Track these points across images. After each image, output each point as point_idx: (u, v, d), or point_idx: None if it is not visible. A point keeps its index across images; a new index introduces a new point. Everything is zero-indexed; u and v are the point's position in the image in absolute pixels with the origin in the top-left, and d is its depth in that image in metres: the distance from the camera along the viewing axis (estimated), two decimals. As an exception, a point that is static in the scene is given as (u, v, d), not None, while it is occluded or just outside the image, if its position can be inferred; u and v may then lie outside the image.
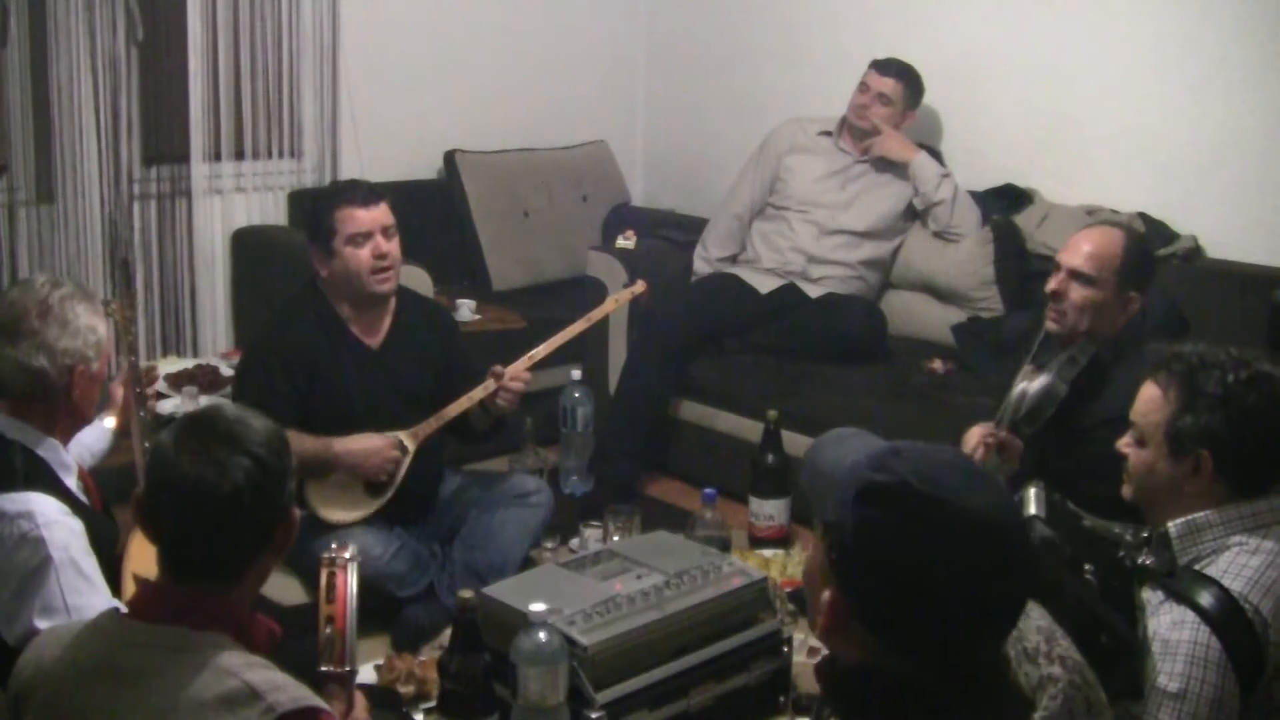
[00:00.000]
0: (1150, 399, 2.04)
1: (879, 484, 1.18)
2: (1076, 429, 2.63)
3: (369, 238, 2.89)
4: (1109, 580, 1.97)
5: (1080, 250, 2.67)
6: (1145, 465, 2.05)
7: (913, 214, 4.12)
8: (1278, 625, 1.89)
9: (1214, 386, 1.97)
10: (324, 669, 1.89)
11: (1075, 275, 2.65)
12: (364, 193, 2.93)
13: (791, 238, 4.11)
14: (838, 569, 1.21)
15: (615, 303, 3.34)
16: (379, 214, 2.92)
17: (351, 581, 1.97)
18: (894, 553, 1.16)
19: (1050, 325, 2.70)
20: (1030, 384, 2.68)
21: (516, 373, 2.98)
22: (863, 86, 4.10)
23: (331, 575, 1.96)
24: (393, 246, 2.94)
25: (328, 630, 1.91)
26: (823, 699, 1.32)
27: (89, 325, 2.16)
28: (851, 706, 1.25)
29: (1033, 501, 2.05)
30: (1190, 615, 1.88)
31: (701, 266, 4.29)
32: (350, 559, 1.98)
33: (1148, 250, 2.78)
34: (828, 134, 4.22)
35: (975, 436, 2.66)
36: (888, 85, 4.07)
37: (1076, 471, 2.54)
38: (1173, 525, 2.00)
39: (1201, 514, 1.98)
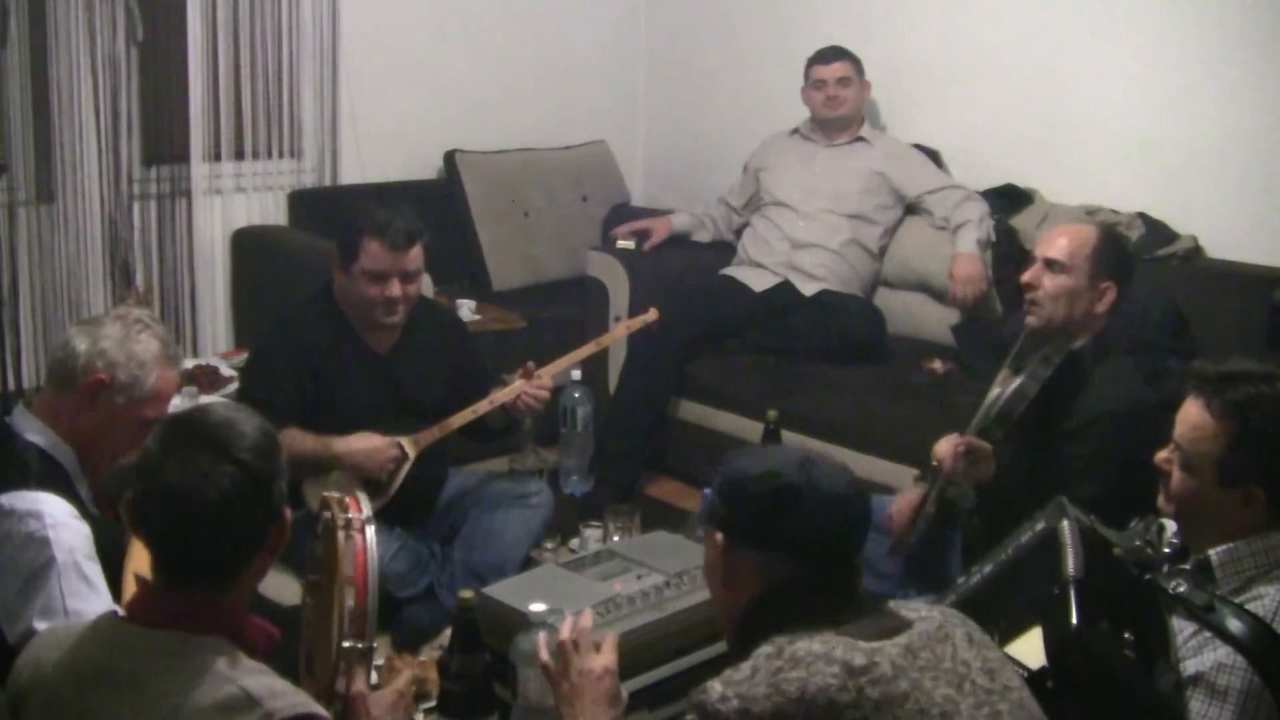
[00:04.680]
0: (1198, 425, 1.95)
1: (738, 469, 1.67)
2: (1064, 429, 2.61)
3: (386, 278, 2.87)
4: (1138, 604, 1.90)
5: (1055, 242, 2.71)
6: (1191, 492, 1.97)
7: (892, 201, 4.15)
8: None
9: (1270, 423, 1.90)
10: (346, 644, 1.84)
11: (1049, 264, 2.68)
12: (394, 235, 2.85)
13: (776, 229, 4.17)
14: (729, 527, 1.65)
15: (627, 328, 3.36)
16: (404, 259, 2.87)
17: (371, 545, 1.88)
18: (759, 488, 1.62)
19: (1029, 320, 2.71)
20: (1005, 388, 2.67)
21: (543, 383, 3.00)
22: (818, 83, 4.19)
23: (349, 540, 1.87)
24: (410, 289, 2.91)
25: (349, 603, 1.84)
26: (735, 649, 1.63)
27: (139, 355, 2.17)
28: (760, 631, 1.56)
29: (1069, 549, 1.90)
30: (1239, 660, 1.79)
31: (682, 220, 4.46)
32: (366, 520, 1.89)
33: (1123, 244, 2.79)
34: (795, 131, 4.32)
35: (945, 447, 2.63)
36: (839, 69, 4.18)
37: (1065, 473, 2.53)
38: (1214, 554, 1.93)
39: (1244, 543, 1.92)
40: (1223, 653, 1.80)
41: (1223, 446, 1.92)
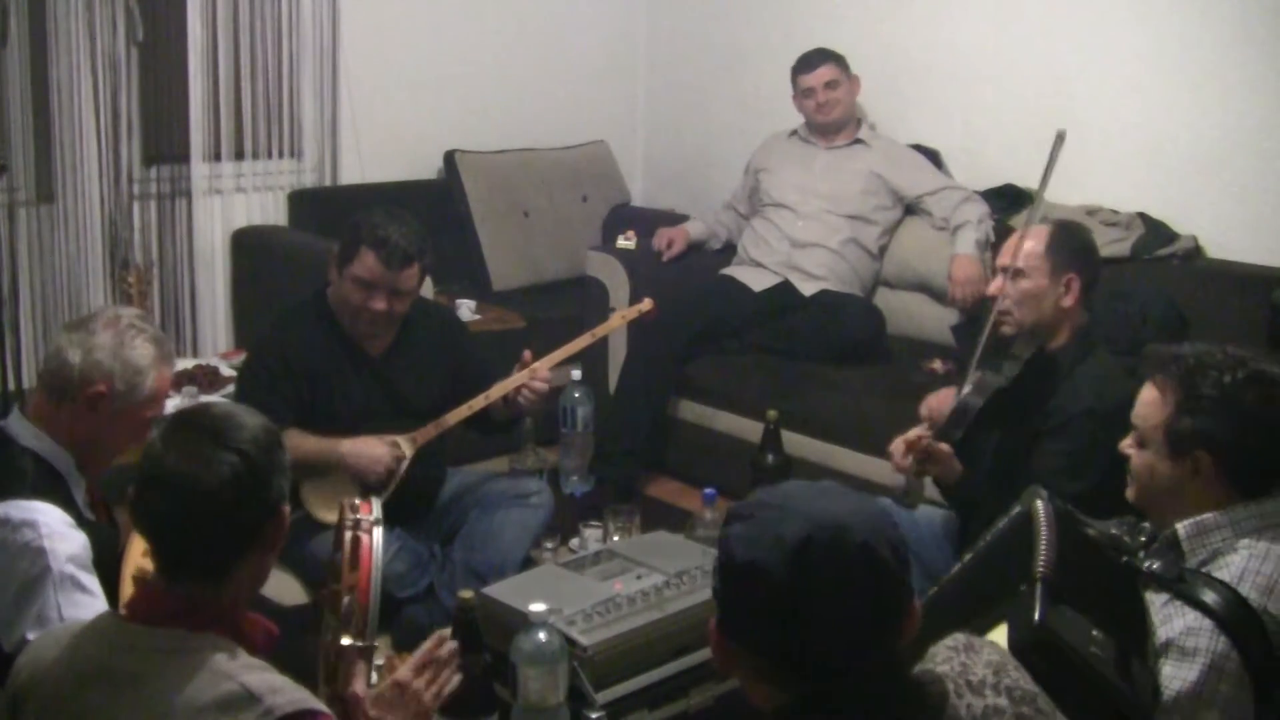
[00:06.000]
0: (1149, 401, 2.03)
1: (731, 537, 1.32)
2: (1043, 428, 2.60)
3: (374, 290, 2.87)
4: (1114, 593, 1.92)
5: (1009, 250, 2.71)
6: (1146, 467, 2.03)
7: (891, 202, 4.15)
8: None
9: (1211, 388, 1.95)
10: (346, 643, 1.85)
11: (1008, 273, 2.68)
12: (391, 252, 2.83)
13: (776, 228, 4.18)
14: (722, 616, 1.33)
15: (622, 318, 3.35)
16: (396, 278, 2.86)
17: (376, 546, 1.90)
18: (738, 585, 1.29)
19: (1003, 330, 2.71)
20: (972, 387, 2.65)
21: (541, 375, 3.00)
22: (806, 91, 4.19)
23: (356, 539, 1.89)
24: (398, 305, 2.90)
25: (347, 600, 1.85)
26: None
27: (136, 361, 2.16)
28: None
29: (1042, 540, 1.88)
30: (1206, 622, 1.84)
31: (698, 228, 4.43)
32: (375, 521, 1.91)
33: (1079, 234, 2.76)
34: (794, 133, 4.33)
35: (900, 445, 2.60)
36: (824, 74, 4.17)
37: (1046, 471, 2.51)
38: (1181, 527, 1.97)
39: (1209, 515, 1.96)
40: (1191, 617, 1.85)
41: (1168, 415, 1.98)
